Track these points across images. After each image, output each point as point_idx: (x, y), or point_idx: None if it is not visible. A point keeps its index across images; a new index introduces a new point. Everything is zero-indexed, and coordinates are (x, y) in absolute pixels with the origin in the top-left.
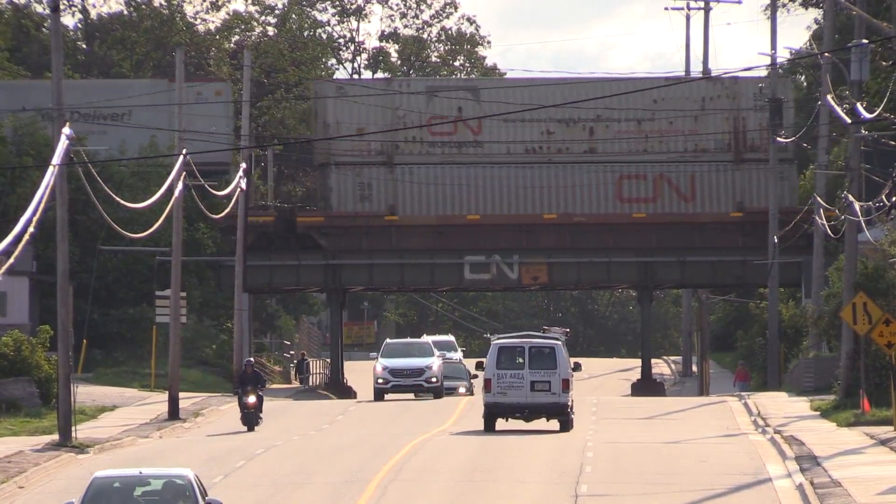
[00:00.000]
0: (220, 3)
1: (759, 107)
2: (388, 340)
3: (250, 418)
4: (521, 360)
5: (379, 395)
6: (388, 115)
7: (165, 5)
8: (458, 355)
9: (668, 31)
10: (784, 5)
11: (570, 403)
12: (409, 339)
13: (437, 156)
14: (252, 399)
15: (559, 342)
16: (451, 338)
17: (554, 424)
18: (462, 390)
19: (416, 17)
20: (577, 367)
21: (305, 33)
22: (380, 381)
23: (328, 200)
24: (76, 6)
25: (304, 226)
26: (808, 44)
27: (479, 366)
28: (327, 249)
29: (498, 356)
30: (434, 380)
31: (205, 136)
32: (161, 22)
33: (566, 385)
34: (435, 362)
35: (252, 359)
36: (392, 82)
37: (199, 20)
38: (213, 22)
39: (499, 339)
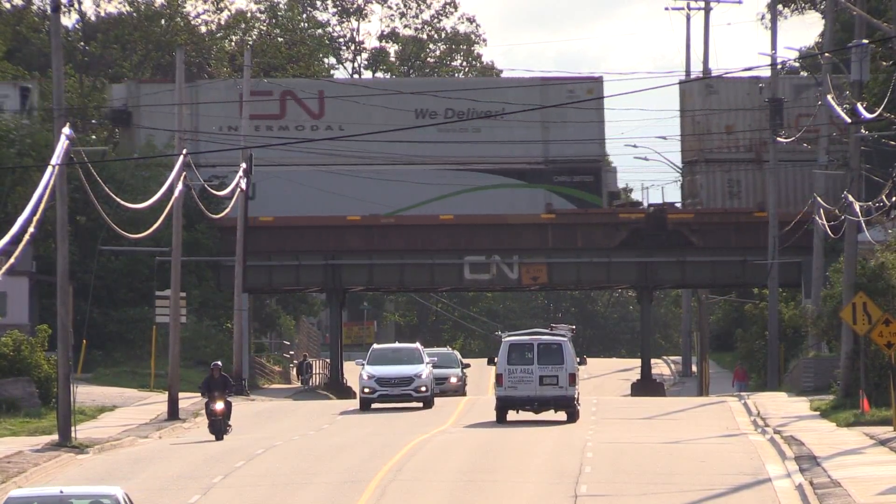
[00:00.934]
0: (222, 6)
1: None
2: (374, 346)
3: (218, 426)
4: (530, 356)
5: (365, 405)
6: (755, 113)
7: (166, 6)
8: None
9: (669, 31)
10: (780, 12)
11: (576, 396)
12: (396, 345)
13: (805, 152)
14: (220, 406)
15: (566, 339)
16: (450, 350)
17: (561, 416)
18: (454, 380)
19: (416, 16)
20: (582, 361)
21: (306, 31)
22: (366, 390)
23: (697, 197)
24: (74, 6)
25: (675, 223)
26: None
27: (491, 361)
28: (697, 246)
29: (509, 353)
30: (423, 389)
31: (572, 134)
32: (149, 18)
33: (573, 379)
34: (424, 370)
35: (220, 362)
36: (759, 80)
37: (200, 21)
38: (213, 23)
39: (509, 336)
